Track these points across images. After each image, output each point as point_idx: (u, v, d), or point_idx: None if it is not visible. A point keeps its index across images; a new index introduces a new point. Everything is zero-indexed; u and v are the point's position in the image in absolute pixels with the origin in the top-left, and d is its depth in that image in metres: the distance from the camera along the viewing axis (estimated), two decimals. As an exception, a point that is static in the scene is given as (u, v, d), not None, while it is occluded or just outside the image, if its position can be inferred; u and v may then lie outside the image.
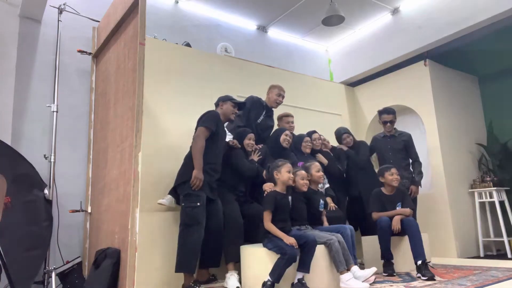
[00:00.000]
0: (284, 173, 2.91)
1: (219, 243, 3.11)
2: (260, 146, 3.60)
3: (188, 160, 3.05)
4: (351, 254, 2.96)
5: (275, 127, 4.04)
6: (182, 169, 3.11)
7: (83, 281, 3.22)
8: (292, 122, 4.11)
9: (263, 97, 3.93)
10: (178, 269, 2.85)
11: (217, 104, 3.42)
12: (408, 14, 5.07)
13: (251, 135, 3.47)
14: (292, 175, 2.95)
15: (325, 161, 3.96)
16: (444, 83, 5.12)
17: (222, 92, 4.01)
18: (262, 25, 5.52)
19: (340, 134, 4.40)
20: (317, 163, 3.39)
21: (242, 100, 3.74)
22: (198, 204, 2.89)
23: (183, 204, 2.93)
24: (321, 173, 3.33)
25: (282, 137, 3.63)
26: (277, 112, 4.10)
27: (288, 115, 4.13)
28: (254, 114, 3.76)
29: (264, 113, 3.83)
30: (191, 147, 3.09)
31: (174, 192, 3.14)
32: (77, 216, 3.65)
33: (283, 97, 3.91)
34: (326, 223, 3.30)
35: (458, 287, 2.64)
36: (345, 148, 4.27)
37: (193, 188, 2.90)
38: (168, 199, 3.18)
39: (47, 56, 3.80)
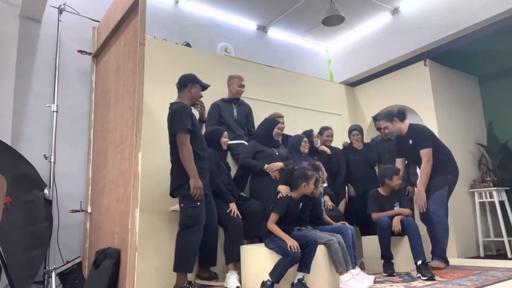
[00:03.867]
0: (311, 185, 2.88)
1: (215, 241, 3.13)
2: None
3: (177, 164, 2.91)
4: (352, 254, 2.96)
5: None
6: (174, 173, 2.96)
7: (83, 281, 3.22)
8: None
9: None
10: (177, 268, 2.84)
11: (184, 85, 3.06)
12: (408, 14, 5.07)
13: (225, 133, 3.47)
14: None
15: (328, 150, 4.02)
16: (444, 83, 5.11)
17: (222, 92, 4.03)
18: (262, 25, 5.52)
19: (351, 130, 4.46)
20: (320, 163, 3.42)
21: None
22: (199, 203, 2.87)
23: (182, 204, 2.89)
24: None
25: (275, 131, 3.64)
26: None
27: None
28: (227, 114, 3.84)
29: (234, 106, 3.92)
30: (171, 154, 2.97)
31: (172, 196, 3.11)
32: (77, 216, 3.65)
33: (244, 86, 4.00)
34: (330, 220, 3.35)
35: (458, 287, 2.65)
36: (359, 148, 4.32)
37: (195, 198, 2.80)
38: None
39: (47, 56, 3.80)
